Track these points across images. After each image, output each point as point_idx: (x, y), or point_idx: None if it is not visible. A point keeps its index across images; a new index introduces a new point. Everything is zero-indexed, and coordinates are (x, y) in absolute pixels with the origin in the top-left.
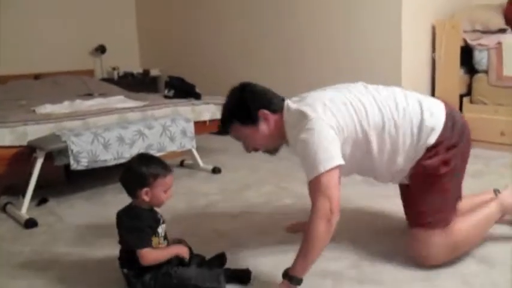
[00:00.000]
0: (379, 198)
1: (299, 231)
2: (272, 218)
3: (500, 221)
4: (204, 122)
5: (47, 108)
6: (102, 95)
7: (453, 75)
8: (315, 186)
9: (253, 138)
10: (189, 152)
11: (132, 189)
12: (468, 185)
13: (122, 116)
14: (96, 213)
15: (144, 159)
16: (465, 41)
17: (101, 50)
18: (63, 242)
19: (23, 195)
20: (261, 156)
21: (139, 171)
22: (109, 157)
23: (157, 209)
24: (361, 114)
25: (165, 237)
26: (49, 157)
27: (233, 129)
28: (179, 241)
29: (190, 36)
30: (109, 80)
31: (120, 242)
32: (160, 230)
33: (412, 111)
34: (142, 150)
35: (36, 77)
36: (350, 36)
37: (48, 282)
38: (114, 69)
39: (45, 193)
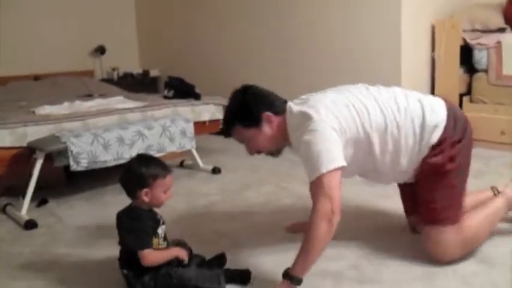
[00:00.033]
0: (379, 198)
1: (299, 231)
2: (272, 218)
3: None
4: (204, 122)
5: (47, 109)
6: (102, 95)
7: (453, 74)
8: (316, 186)
9: (257, 140)
10: (189, 152)
11: (131, 190)
12: (468, 184)
13: (121, 117)
14: (96, 214)
15: (143, 159)
16: (465, 40)
17: (101, 50)
18: (63, 243)
19: (23, 196)
20: (261, 156)
21: (139, 172)
22: (109, 158)
23: (156, 210)
24: (364, 116)
25: (165, 238)
26: (49, 158)
27: (236, 131)
28: (179, 242)
29: (190, 36)
30: (109, 80)
31: (120, 243)
32: (160, 230)
33: (414, 111)
34: (142, 151)
35: (36, 77)
36: (350, 36)
37: (48, 283)
38: (113, 69)
39: (45, 194)
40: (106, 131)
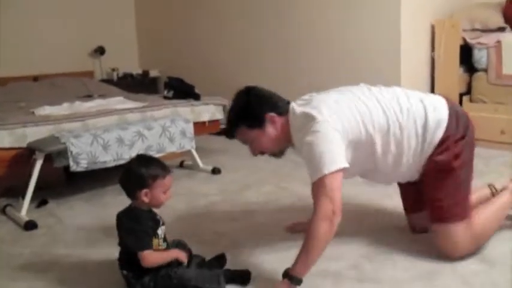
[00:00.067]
0: (379, 198)
1: (299, 231)
2: (272, 218)
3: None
4: (204, 122)
5: (46, 110)
6: (102, 96)
7: (453, 74)
8: (318, 187)
9: (260, 141)
10: (189, 152)
11: (131, 190)
12: None
13: (121, 117)
14: (96, 215)
15: (143, 160)
16: (464, 39)
17: (100, 51)
18: (63, 243)
19: (23, 197)
20: (262, 157)
21: (139, 173)
22: (108, 158)
23: (156, 211)
24: (366, 117)
25: (165, 239)
26: (48, 159)
27: (239, 132)
28: (179, 242)
29: (190, 36)
30: (108, 81)
31: (120, 244)
32: (160, 231)
33: (416, 112)
34: (141, 152)
35: (35, 78)
36: (349, 36)
37: (48, 284)
38: (113, 70)
39: (44, 195)
40: (106, 132)
